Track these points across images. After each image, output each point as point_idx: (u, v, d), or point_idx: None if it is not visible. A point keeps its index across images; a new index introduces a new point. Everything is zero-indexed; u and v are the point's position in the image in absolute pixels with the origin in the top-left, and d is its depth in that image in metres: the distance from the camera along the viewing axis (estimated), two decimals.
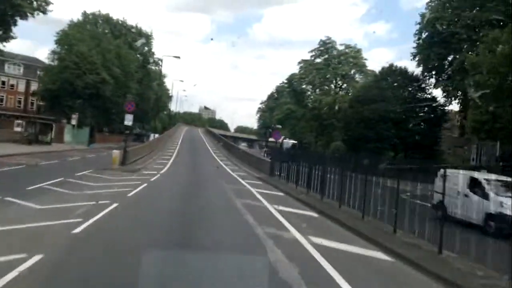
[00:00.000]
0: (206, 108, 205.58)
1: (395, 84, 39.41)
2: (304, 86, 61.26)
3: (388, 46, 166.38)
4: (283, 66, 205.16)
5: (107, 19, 58.57)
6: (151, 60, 63.28)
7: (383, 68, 41.28)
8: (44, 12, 36.48)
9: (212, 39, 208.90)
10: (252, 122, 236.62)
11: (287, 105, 61.82)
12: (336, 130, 49.29)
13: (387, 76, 40.52)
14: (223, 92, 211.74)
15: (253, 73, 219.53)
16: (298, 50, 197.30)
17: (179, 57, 47.18)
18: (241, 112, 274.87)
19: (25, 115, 53.75)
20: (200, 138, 70.81)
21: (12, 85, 61.55)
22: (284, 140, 42.48)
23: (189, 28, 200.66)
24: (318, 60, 59.98)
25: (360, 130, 37.60)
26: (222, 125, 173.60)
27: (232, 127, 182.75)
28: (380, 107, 36.49)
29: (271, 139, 49.41)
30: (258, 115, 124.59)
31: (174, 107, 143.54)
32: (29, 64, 60.31)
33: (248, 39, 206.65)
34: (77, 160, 27.38)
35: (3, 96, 61.07)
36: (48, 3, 36.43)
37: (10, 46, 41.19)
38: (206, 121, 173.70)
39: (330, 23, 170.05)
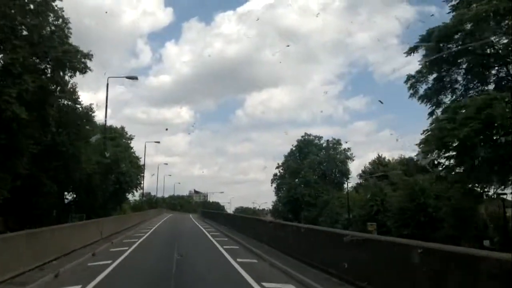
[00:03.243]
0: (196, 191, 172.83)
1: None
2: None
3: (367, 119, 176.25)
4: (268, 147, 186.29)
5: None
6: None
7: None
8: None
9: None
10: (248, 203, 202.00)
11: None
12: None
13: None
14: (212, 177, 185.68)
15: (239, 156, 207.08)
16: (279, 132, 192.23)
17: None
18: (234, 194, 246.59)
19: None
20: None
21: None
22: None
23: (172, 119, 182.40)
24: None
25: None
26: (218, 207, 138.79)
27: (230, 209, 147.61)
28: None
29: None
30: (275, 185, 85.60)
31: (160, 193, 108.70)
32: None
33: (231, 124, 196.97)
34: None
35: None
36: None
37: None
38: (198, 205, 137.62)
39: (310, 103, 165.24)
